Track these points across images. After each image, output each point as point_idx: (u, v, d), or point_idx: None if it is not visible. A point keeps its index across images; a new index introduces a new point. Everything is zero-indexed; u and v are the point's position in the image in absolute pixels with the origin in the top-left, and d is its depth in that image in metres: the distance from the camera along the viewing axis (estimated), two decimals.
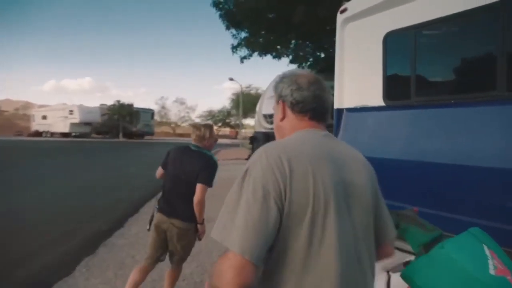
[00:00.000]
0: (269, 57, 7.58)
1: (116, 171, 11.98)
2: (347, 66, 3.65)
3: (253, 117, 44.54)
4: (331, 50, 8.36)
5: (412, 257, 1.85)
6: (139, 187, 9.12)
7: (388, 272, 1.80)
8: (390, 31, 3.17)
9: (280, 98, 1.22)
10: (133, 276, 2.92)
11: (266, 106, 11.28)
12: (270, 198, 0.92)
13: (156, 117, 50.32)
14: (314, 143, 1.09)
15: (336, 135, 3.67)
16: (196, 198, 2.86)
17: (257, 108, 12.14)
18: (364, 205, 1.09)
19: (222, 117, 55.29)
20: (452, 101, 2.72)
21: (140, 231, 5.38)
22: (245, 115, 39.57)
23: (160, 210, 2.99)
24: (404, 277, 1.39)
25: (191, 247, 3.08)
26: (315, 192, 0.95)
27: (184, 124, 62.00)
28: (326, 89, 1.21)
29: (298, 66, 8.65)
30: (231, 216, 0.93)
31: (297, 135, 1.14)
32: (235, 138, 54.64)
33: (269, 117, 10.79)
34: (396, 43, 3.21)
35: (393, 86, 3.27)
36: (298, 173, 0.96)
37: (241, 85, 32.20)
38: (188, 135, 54.81)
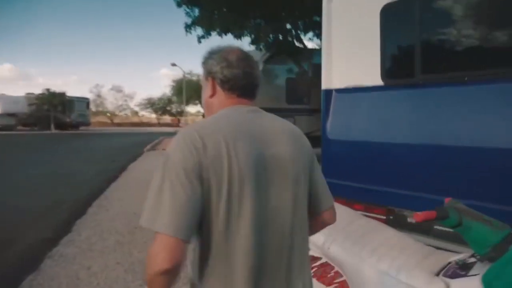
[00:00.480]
0: (230, 37, 7.05)
1: (52, 167, 10.67)
2: (335, 42, 3.29)
3: (196, 104, 43.78)
4: (293, 32, 8.01)
5: (455, 256, 1.58)
6: (82, 184, 8.12)
7: (439, 276, 1.48)
8: (389, 2, 2.84)
9: (209, 74, 1.21)
10: None
11: None
12: (192, 177, 0.96)
13: (92, 107, 46.98)
14: (235, 120, 1.11)
15: (324, 118, 3.33)
16: None
17: None
18: (292, 178, 1.10)
19: (162, 105, 53.11)
20: (466, 79, 2.46)
21: (92, 235, 4.66)
22: (187, 102, 38.25)
23: None
24: (485, 282, 1.24)
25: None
26: (230, 167, 0.99)
27: (122, 113, 58.72)
28: (255, 66, 1.23)
29: (257, 48, 8.21)
30: (157, 203, 0.96)
31: (221, 112, 1.16)
32: (178, 126, 53.07)
33: None
34: (396, 15, 2.89)
35: (394, 63, 2.97)
36: (212, 150, 0.99)
37: (183, 71, 30.97)
38: (127, 124, 52.70)
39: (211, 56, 1.22)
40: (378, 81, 2.94)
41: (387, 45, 2.90)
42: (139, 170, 10.25)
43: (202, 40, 7.09)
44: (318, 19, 7.55)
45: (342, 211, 1.91)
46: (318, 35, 8.19)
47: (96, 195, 7.03)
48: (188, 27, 7.27)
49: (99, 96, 54.37)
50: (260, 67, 9.51)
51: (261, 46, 8.56)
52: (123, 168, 10.48)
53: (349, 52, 3.21)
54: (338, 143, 3.23)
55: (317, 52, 9.24)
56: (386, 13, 2.87)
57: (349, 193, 3.13)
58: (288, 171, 1.10)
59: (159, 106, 53.38)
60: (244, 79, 1.18)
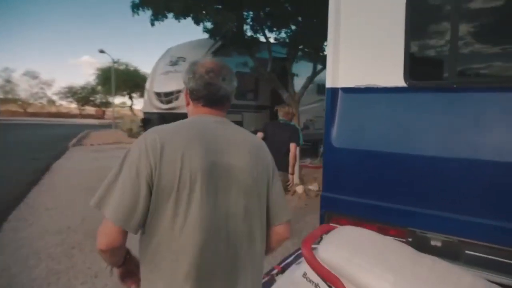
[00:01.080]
0: (189, 21, 6.21)
1: None
2: (344, 35, 2.79)
3: (123, 95, 40.91)
4: (251, 22, 7.38)
5: None
6: None
7: None
8: None
9: (184, 85, 1.31)
10: None
11: (159, 83, 9.74)
12: (142, 177, 1.07)
13: None
14: (196, 128, 1.19)
15: (328, 122, 2.84)
16: (291, 154, 4.19)
17: (147, 86, 10.46)
18: (244, 188, 1.18)
19: (85, 95, 48.67)
20: None
21: (12, 264, 3.61)
22: (115, 93, 35.53)
23: None
24: None
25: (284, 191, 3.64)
26: (182, 172, 1.08)
27: (38, 102, 52.68)
28: (224, 76, 1.26)
29: (211, 37, 7.47)
30: (110, 188, 1.08)
31: (187, 120, 1.27)
32: (103, 117, 49.24)
33: (164, 96, 9.31)
34: (427, 7, 2.47)
35: (422, 63, 2.55)
36: (168, 155, 1.09)
37: (112, 59, 28.50)
38: (43, 115, 47.15)
39: (188, 67, 1.29)
40: (399, 82, 2.50)
41: (414, 41, 2.47)
42: (67, 170, 8.86)
43: (156, 23, 6.15)
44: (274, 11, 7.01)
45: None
46: (271, 28, 7.67)
47: (15, 203, 5.70)
48: (135, 7, 6.26)
49: (8, 81, 47.94)
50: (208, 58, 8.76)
51: (216, 38, 7.85)
52: (46, 168, 8.99)
53: (361, 47, 2.72)
54: (347, 152, 2.74)
55: (263, 46, 8.77)
56: (414, 4, 2.43)
57: (359, 211, 2.68)
58: (241, 181, 1.17)
59: (82, 95, 48.84)
60: (204, 90, 1.24)
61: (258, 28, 7.27)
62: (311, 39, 6.99)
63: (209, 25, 6.71)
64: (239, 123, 10.07)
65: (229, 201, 1.15)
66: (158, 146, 1.09)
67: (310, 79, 7.72)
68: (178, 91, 8.94)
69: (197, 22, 6.29)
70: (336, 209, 2.80)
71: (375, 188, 2.64)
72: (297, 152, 4.36)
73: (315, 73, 7.70)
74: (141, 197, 1.06)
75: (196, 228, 1.08)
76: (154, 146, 1.09)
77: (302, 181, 7.88)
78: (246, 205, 1.18)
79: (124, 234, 1.07)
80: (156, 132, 1.15)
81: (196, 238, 1.09)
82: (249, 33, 7.80)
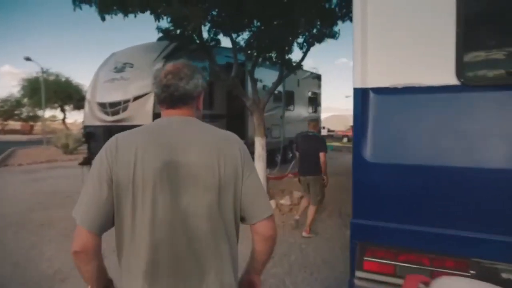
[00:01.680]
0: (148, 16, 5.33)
1: None
2: (374, 23, 2.28)
3: (54, 107, 37.39)
4: (210, 25, 6.70)
5: None
6: None
7: None
8: None
9: None
10: (303, 203, 5.75)
11: (103, 92, 8.63)
12: (103, 179, 1.14)
13: None
14: (154, 128, 1.27)
15: (359, 127, 2.31)
16: (322, 160, 5.26)
17: (88, 96, 9.26)
18: (206, 186, 1.17)
19: (8, 108, 43.71)
20: None
21: None
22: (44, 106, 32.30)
23: (302, 173, 5.52)
24: None
25: (323, 189, 5.49)
26: (135, 172, 1.13)
27: None
28: (182, 76, 1.28)
29: (164, 37, 6.67)
30: (81, 195, 1.18)
31: (153, 122, 1.34)
32: (30, 133, 44.70)
33: (109, 106, 8.24)
34: None
35: (480, 54, 2.09)
36: (122, 155, 1.15)
37: (42, 68, 25.82)
38: None
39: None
40: (450, 79, 2.03)
41: (470, 30, 2.02)
42: None
43: (107, 17, 5.19)
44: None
45: None
46: (235, 30, 7.08)
47: None
48: (77, 2, 5.27)
49: None
50: (160, 64, 7.90)
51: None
52: None
53: (398, 39, 2.23)
54: (385, 169, 2.21)
55: (221, 51, 8.13)
56: None
57: (405, 239, 2.17)
58: (202, 179, 1.17)
59: (4, 109, 43.84)
60: (163, 92, 1.28)
61: (218, 30, 6.62)
62: (277, 42, 6.51)
63: (164, 24, 5.98)
64: None
65: (189, 199, 1.15)
66: (114, 148, 1.17)
67: (276, 85, 7.22)
68: (126, 101, 7.93)
69: (157, 17, 5.46)
70: (373, 238, 2.26)
71: (426, 211, 2.13)
72: (326, 158, 5.36)
73: (281, 77, 7.24)
74: (103, 200, 1.14)
75: (151, 227, 1.13)
76: (111, 149, 1.17)
77: (270, 195, 7.33)
78: (210, 203, 1.17)
79: (95, 236, 1.14)
80: (116, 136, 1.22)
81: (151, 237, 1.13)
82: (206, 35, 7.13)
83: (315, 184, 5.35)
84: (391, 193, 2.21)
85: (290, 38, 6.66)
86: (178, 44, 7.50)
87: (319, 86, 16.11)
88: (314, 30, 7.48)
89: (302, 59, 7.24)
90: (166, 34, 6.54)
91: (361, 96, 2.27)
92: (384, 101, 2.23)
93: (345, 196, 6.59)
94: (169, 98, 1.28)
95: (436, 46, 2.08)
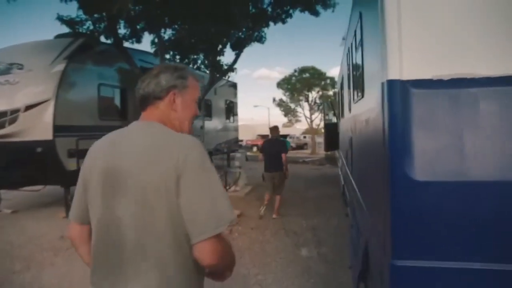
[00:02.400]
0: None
1: None
2: (407, 8, 1.72)
3: None
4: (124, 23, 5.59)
5: None
6: None
7: None
8: None
9: None
10: (267, 197, 6.82)
11: None
12: (80, 181, 1.29)
13: None
14: (115, 132, 1.29)
15: (394, 134, 1.72)
16: (284, 159, 6.65)
17: None
18: (132, 194, 1.11)
19: None
20: None
21: None
22: None
23: (267, 170, 6.76)
24: None
25: (284, 181, 6.93)
26: (91, 176, 1.22)
27: None
28: (146, 77, 1.31)
29: (70, 31, 5.37)
30: None
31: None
32: None
33: None
34: None
35: None
36: (85, 160, 1.28)
37: None
38: None
39: None
40: None
41: None
42: None
43: None
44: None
45: None
46: (151, 30, 6.12)
47: None
48: None
49: None
50: (60, 66, 6.48)
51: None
52: None
53: (437, 21, 1.69)
54: (443, 189, 1.63)
55: (134, 54, 7.06)
56: None
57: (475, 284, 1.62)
58: (129, 186, 1.12)
59: None
60: (138, 95, 1.32)
61: (141, 24, 5.59)
62: (206, 41, 5.74)
63: (69, 11, 4.79)
64: None
65: (117, 207, 1.14)
66: (88, 153, 1.29)
67: (206, 91, 6.41)
68: (15, 111, 6.29)
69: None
70: (427, 286, 1.66)
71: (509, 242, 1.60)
72: (286, 158, 6.83)
73: (212, 82, 6.45)
74: (79, 197, 1.29)
75: (93, 229, 1.23)
76: (87, 154, 1.29)
77: None
78: (135, 214, 1.11)
79: (77, 226, 1.33)
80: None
81: (93, 239, 1.23)
82: (123, 31, 6.03)
83: (279, 178, 6.75)
84: (453, 220, 1.63)
85: (224, 39, 5.94)
86: (85, 41, 6.22)
87: (235, 95, 15.65)
88: (241, 33, 6.95)
89: (235, 61, 6.57)
90: (70, 26, 5.26)
91: (391, 89, 1.68)
92: (422, 96, 1.67)
93: None
94: (140, 100, 1.31)
95: (493, 27, 1.60)
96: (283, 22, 6.96)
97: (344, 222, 6.19)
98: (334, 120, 11.72)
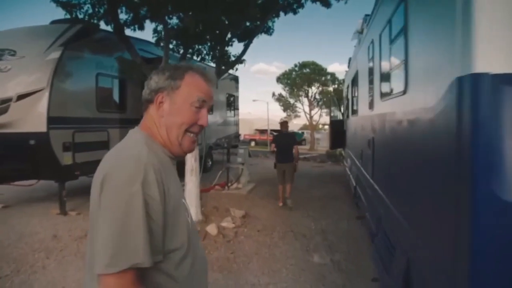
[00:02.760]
0: None
1: None
2: None
3: None
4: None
5: None
6: None
7: None
8: None
9: None
10: (281, 191, 7.34)
11: None
12: None
13: None
14: None
15: (475, 133, 1.34)
16: (295, 151, 7.35)
17: None
18: (92, 219, 1.02)
19: None
20: None
21: None
22: None
23: (279, 161, 7.29)
24: None
25: (294, 172, 7.48)
26: None
27: None
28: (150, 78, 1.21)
29: (68, 15, 4.95)
30: None
31: None
32: None
33: None
34: None
35: None
36: None
37: None
38: None
39: None
40: None
41: None
42: None
43: None
44: None
45: None
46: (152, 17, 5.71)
47: None
48: None
49: None
50: (56, 53, 6.06)
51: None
52: None
53: None
54: None
55: (134, 43, 6.65)
56: None
57: None
58: (90, 209, 1.05)
59: None
60: None
61: (143, 10, 5.18)
62: (213, 29, 5.34)
63: None
64: (104, 144, 7.56)
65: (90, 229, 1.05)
66: None
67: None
68: (6, 100, 5.87)
69: None
70: None
71: None
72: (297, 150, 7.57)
73: (218, 74, 6.05)
74: None
75: None
76: None
77: (206, 217, 6.10)
78: (90, 237, 1.02)
79: None
80: None
81: None
82: (124, 16, 5.61)
83: (290, 169, 7.34)
84: None
85: (233, 28, 5.54)
86: (83, 27, 5.79)
87: (236, 89, 15.23)
88: (248, 24, 6.55)
89: (243, 52, 6.17)
90: (66, 9, 4.83)
91: (487, 88, 1.32)
92: None
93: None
94: None
95: None
96: (295, 12, 6.57)
97: (354, 225, 5.88)
98: (340, 117, 11.37)
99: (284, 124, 7.77)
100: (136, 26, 5.68)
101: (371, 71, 4.20)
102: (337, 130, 9.79)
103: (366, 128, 4.71)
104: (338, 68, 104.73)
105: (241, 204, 7.13)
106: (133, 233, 0.92)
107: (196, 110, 1.14)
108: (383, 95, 3.40)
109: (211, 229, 5.31)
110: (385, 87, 3.30)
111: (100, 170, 1.01)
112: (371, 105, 4.18)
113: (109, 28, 5.76)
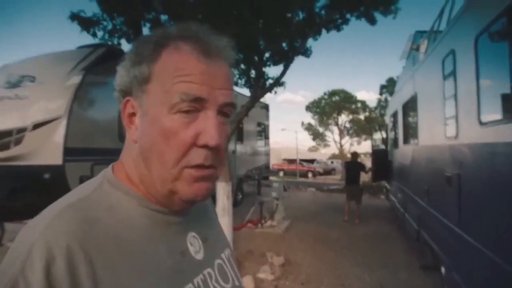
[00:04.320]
0: None
1: None
2: None
3: None
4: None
5: None
6: None
7: None
8: None
9: None
10: (347, 209, 8.90)
11: None
12: None
13: None
14: None
15: None
16: (364, 174, 9.39)
17: None
18: None
19: None
20: None
21: None
22: None
23: (349, 184, 9.07)
24: None
25: (362, 193, 9.24)
26: None
27: None
28: None
29: (94, 37, 4.44)
30: None
31: None
32: None
33: None
34: None
35: None
36: None
37: None
38: None
39: None
40: None
41: None
42: None
43: None
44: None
45: None
46: None
47: None
48: None
49: None
50: (76, 78, 5.55)
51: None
52: None
53: None
54: None
55: None
56: None
57: None
58: None
59: None
60: None
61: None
62: (253, 47, 4.67)
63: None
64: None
65: None
66: None
67: (247, 108, 5.24)
68: (22, 130, 5.33)
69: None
70: None
71: None
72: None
73: (255, 99, 5.31)
74: None
75: None
76: None
77: (239, 263, 5.20)
78: None
79: None
80: None
81: None
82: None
83: (358, 190, 8.94)
84: None
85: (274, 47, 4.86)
86: (107, 50, 5.28)
87: (267, 117, 14.59)
88: (284, 44, 5.88)
89: (283, 74, 5.44)
90: (84, 25, 4.28)
91: None
92: None
93: None
94: None
95: None
96: (338, 29, 5.85)
97: (417, 276, 4.83)
98: (382, 146, 10.40)
99: (354, 154, 9.71)
100: None
101: (449, 90, 3.34)
102: (381, 160, 8.87)
103: (439, 160, 3.80)
104: (365, 95, 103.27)
105: (279, 247, 6.20)
106: None
107: (187, 119, 0.59)
108: (483, 118, 2.53)
109: (247, 282, 4.41)
110: (489, 108, 2.43)
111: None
112: (453, 132, 3.29)
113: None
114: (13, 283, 0.49)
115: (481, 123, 2.59)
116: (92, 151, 5.82)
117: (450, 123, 3.38)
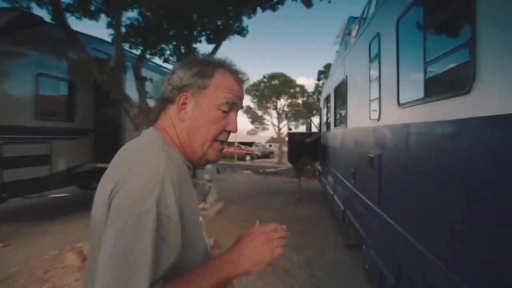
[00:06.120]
0: None
1: None
2: None
3: None
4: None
5: None
6: None
7: None
8: None
9: None
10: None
11: None
12: None
13: None
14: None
15: None
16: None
17: None
18: (94, 234, 0.87)
19: None
20: None
21: None
22: None
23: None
24: None
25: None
26: None
27: None
28: (171, 71, 1.09)
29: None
30: None
31: None
32: None
33: None
34: None
35: None
36: None
37: None
38: None
39: None
40: None
41: None
42: None
43: None
44: None
45: None
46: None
47: None
48: None
49: None
50: None
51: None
52: None
53: None
54: None
55: (85, 41, 5.57)
56: None
57: None
58: (94, 224, 0.88)
59: None
60: None
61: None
62: (181, 25, 4.41)
63: None
64: (45, 159, 6.32)
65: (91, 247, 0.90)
66: None
67: None
68: None
69: None
70: None
71: None
72: None
73: None
74: None
75: None
76: None
77: None
78: (95, 259, 0.80)
79: None
80: None
81: None
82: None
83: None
84: None
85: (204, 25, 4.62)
86: (20, 16, 4.66)
87: None
88: (219, 22, 5.68)
89: (215, 50, 5.24)
90: None
91: None
92: None
93: None
94: None
95: None
96: (273, 9, 5.76)
97: (343, 256, 5.03)
98: (314, 129, 10.70)
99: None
100: (83, 15, 4.60)
101: (375, 73, 3.41)
102: (294, 143, 9.97)
103: (364, 143, 3.91)
104: (305, 81, 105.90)
105: (209, 229, 6.01)
106: (137, 265, 0.72)
107: (224, 114, 0.99)
108: (402, 99, 2.59)
109: None
110: (411, 88, 2.49)
111: (109, 178, 0.84)
112: (376, 114, 3.37)
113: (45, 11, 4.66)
114: (154, 206, 0.76)
115: (399, 104, 2.66)
116: (3, 129, 5.20)
117: (374, 106, 3.46)
